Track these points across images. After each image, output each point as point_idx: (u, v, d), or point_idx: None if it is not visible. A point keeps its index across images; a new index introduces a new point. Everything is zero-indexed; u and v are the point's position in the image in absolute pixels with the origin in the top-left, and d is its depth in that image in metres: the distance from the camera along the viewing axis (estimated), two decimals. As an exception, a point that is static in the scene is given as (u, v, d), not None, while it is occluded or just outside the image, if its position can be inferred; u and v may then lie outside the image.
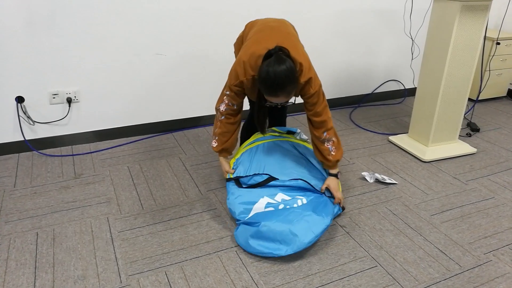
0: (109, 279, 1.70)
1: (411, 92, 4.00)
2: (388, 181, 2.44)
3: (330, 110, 3.59)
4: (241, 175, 2.09)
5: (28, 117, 2.66)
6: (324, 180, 2.10)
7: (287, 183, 2.03)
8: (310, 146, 2.27)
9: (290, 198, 1.98)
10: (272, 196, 1.99)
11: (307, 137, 2.33)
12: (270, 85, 1.74)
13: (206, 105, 3.16)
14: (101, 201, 2.22)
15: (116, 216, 2.10)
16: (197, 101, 3.12)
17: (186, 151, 2.80)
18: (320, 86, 1.94)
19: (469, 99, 3.87)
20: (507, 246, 1.93)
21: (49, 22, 2.49)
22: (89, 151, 2.76)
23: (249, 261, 1.81)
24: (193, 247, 1.89)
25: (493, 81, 3.77)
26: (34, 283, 1.67)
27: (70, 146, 2.83)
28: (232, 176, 2.11)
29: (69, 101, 2.71)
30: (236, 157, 2.21)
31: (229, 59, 3.07)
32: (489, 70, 3.68)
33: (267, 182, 2.04)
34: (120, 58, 2.75)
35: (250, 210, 1.95)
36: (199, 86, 3.08)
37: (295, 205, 1.94)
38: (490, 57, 3.62)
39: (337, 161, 2.06)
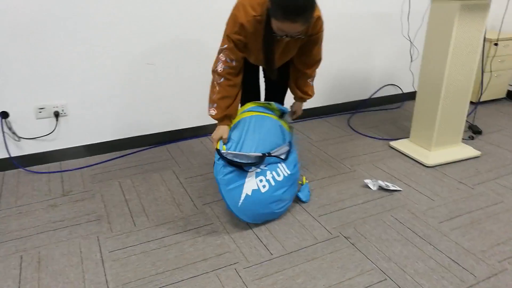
0: (99, 304, 1.57)
1: (409, 96, 3.91)
2: (392, 188, 2.33)
3: (327, 116, 3.52)
4: (232, 151, 1.96)
5: (13, 133, 2.54)
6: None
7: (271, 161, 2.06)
8: (289, 130, 2.25)
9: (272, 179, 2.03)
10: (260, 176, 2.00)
11: (291, 121, 2.33)
12: (289, 7, 1.53)
13: (199, 115, 3.05)
14: (90, 219, 2.09)
15: (107, 235, 1.97)
16: (190, 111, 3.01)
17: (180, 163, 2.68)
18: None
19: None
20: (522, 253, 1.83)
21: (33, 33, 2.39)
22: (78, 167, 2.64)
23: (250, 279, 1.69)
24: (190, 265, 1.77)
25: (492, 82, 3.70)
26: (17, 312, 1.54)
27: (58, 162, 2.70)
28: (224, 150, 1.94)
29: (56, 115, 2.60)
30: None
31: (222, 67, 2.97)
32: (491, 71, 3.61)
33: (257, 163, 1.98)
34: (109, 69, 2.65)
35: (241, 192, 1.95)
36: (192, 97, 2.97)
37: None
38: (490, 58, 3.55)
39: (311, 97, 2.22)
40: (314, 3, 1.61)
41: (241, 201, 1.94)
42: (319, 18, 1.82)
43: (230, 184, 1.94)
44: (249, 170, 1.98)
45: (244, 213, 1.97)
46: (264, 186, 1.99)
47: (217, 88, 1.89)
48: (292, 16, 1.57)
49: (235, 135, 2.00)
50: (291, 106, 2.32)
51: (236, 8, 1.77)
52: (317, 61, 2.07)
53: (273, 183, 2.01)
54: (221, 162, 1.93)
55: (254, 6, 1.72)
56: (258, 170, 2.00)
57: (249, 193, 1.95)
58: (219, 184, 1.94)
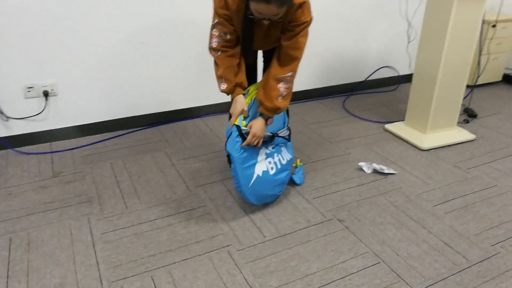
0: (89, 286, 1.55)
1: (405, 79, 3.88)
2: (386, 171, 2.32)
3: (322, 99, 3.48)
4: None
5: (1, 113, 2.48)
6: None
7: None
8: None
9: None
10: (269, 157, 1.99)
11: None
12: None
13: (193, 96, 3.00)
14: (81, 201, 2.06)
15: (98, 217, 1.94)
16: (184, 92, 2.96)
17: (173, 145, 2.65)
18: (311, 21, 1.78)
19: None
20: (515, 237, 1.83)
21: (21, 9, 2.31)
22: (69, 148, 2.59)
23: (243, 261, 1.68)
24: (182, 248, 1.75)
25: (489, 65, 3.66)
26: (6, 294, 1.51)
27: (48, 143, 2.65)
28: (244, 125, 1.87)
29: (45, 94, 2.53)
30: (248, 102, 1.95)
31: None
32: (488, 54, 3.57)
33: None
34: (100, 47, 2.58)
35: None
36: (185, 77, 2.92)
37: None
38: (488, 40, 3.51)
39: (279, 109, 1.86)
40: None
41: (252, 180, 1.91)
42: (300, 6, 1.72)
43: (245, 163, 1.89)
44: (260, 150, 1.96)
45: (252, 193, 1.94)
46: (272, 168, 1.98)
47: (218, 62, 1.85)
48: None
49: (250, 113, 1.96)
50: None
51: None
52: (294, 60, 1.83)
53: (279, 166, 2.01)
54: (239, 139, 1.86)
55: None
56: (268, 151, 1.99)
57: (260, 174, 1.93)
58: (234, 162, 1.86)
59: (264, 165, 1.95)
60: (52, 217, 1.93)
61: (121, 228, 1.87)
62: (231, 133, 1.88)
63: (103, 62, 2.62)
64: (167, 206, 2.03)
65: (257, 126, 1.85)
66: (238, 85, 1.88)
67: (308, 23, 1.78)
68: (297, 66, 1.87)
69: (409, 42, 3.70)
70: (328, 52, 3.37)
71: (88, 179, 2.25)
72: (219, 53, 1.84)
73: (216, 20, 1.79)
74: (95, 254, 1.71)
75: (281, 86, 1.85)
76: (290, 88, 1.88)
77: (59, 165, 2.39)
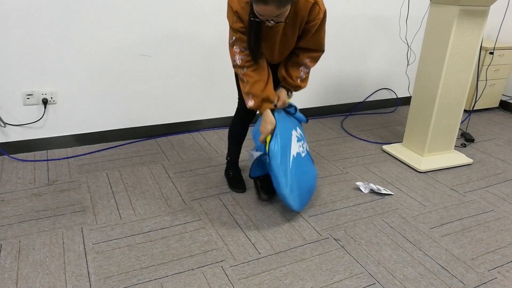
0: (79, 297, 1.52)
1: (404, 101, 3.91)
2: (383, 191, 2.31)
3: (321, 117, 3.49)
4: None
5: (-1, 119, 2.47)
6: None
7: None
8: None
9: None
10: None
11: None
12: None
13: (192, 110, 3.01)
14: (75, 210, 2.03)
15: (92, 227, 1.92)
16: (183, 105, 2.96)
17: (170, 158, 2.63)
18: (326, 12, 1.82)
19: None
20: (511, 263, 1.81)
21: (23, 17, 2.32)
22: (66, 156, 2.58)
23: (236, 277, 1.65)
24: (175, 261, 1.73)
25: (486, 91, 3.70)
26: (-7, 302, 1.48)
27: (45, 151, 2.63)
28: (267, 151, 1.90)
29: (44, 102, 2.53)
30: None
31: (218, 63, 2.93)
32: (486, 80, 3.61)
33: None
34: (101, 57, 2.59)
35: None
36: (185, 90, 2.92)
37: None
38: (485, 66, 3.56)
39: (299, 87, 1.99)
40: None
41: (290, 163, 1.91)
42: (316, 3, 1.76)
43: (280, 156, 1.90)
44: (292, 132, 1.98)
45: (293, 189, 1.93)
46: (302, 152, 2.03)
47: (245, 79, 1.84)
48: None
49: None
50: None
51: (230, 0, 1.76)
52: (314, 47, 1.92)
53: (306, 153, 2.08)
54: (264, 158, 1.92)
55: None
56: (298, 135, 2.04)
57: (295, 155, 1.95)
58: (271, 159, 1.87)
59: (297, 147, 1.98)
60: (45, 225, 1.90)
61: (114, 239, 1.84)
62: (260, 155, 1.93)
63: (104, 73, 2.63)
64: (161, 218, 2.01)
65: (284, 94, 1.97)
66: (265, 100, 1.86)
67: (324, 16, 1.82)
68: (317, 56, 1.96)
69: (408, 65, 3.74)
70: (328, 72, 3.40)
71: (83, 188, 2.23)
72: (244, 69, 1.82)
73: (234, 37, 1.80)
74: (87, 264, 1.68)
75: (302, 70, 1.95)
76: (309, 72, 2.00)
77: (54, 173, 2.37)
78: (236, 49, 1.82)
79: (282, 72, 1.97)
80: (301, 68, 1.95)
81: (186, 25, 2.74)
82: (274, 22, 1.67)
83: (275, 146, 1.87)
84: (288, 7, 1.63)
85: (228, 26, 1.83)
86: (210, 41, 2.86)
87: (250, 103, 1.86)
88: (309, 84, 3.36)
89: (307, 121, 2.19)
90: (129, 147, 2.75)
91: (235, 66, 1.86)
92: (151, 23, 2.64)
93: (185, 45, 2.79)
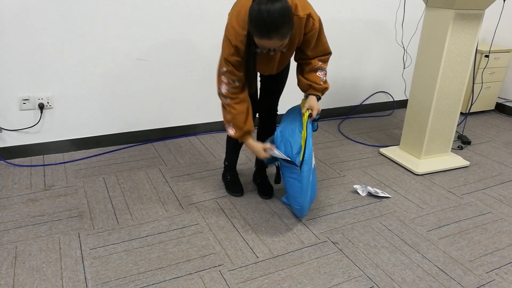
0: (76, 303, 1.51)
1: (400, 104, 3.92)
2: (381, 194, 2.31)
3: (318, 121, 3.49)
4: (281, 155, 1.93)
5: (-5, 124, 2.46)
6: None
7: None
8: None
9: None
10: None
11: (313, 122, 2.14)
12: (263, 25, 1.55)
13: (188, 114, 3.00)
14: (72, 215, 2.02)
15: (89, 232, 1.91)
16: (180, 110, 2.96)
17: (167, 162, 2.63)
18: (319, 18, 1.84)
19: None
20: (509, 264, 1.81)
21: (19, 21, 2.32)
22: (62, 161, 2.57)
23: (234, 282, 1.65)
24: (173, 266, 1.72)
25: (482, 94, 3.72)
26: (-11, 309, 1.47)
27: (41, 156, 2.62)
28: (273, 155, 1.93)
29: (41, 107, 2.52)
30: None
31: (214, 66, 2.93)
32: (482, 83, 3.63)
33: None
34: (98, 62, 2.58)
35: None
36: (182, 94, 2.92)
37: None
38: (481, 69, 3.57)
39: (326, 89, 2.00)
40: (289, 18, 1.60)
41: (311, 175, 1.94)
42: (309, 16, 1.78)
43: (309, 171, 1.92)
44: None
45: (311, 194, 1.98)
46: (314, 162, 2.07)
47: (227, 108, 1.89)
48: (267, 34, 1.58)
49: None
50: (304, 103, 2.09)
51: (227, 30, 1.77)
52: (321, 53, 1.95)
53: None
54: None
55: (242, 25, 1.72)
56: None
57: (313, 167, 1.98)
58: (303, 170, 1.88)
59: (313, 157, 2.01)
60: (41, 231, 1.89)
61: (111, 244, 1.83)
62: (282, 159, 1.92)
63: (101, 77, 2.63)
64: (159, 223, 2.00)
65: (316, 102, 1.97)
66: (247, 133, 1.92)
67: (320, 24, 1.84)
68: (327, 58, 1.98)
69: (404, 68, 3.75)
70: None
71: (80, 193, 2.22)
72: (228, 100, 1.86)
73: (224, 69, 1.81)
74: (84, 269, 1.67)
75: (319, 74, 1.97)
76: (326, 73, 2.01)
77: (51, 179, 2.36)
78: (224, 79, 1.84)
79: (304, 81, 1.99)
80: (318, 72, 1.97)
81: (182, 29, 2.75)
82: (277, 50, 1.74)
83: (308, 159, 1.88)
84: (288, 37, 1.67)
85: (220, 54, 1.83)
86: (206, 45, 2.86)
87: (231, 132, 1.93)
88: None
89: (316, 129, 2.15)
90: (126, 152, 2.74)
91: (219, 94, 1.90)
92: (148, 27, 2.64)
93: (182, 49, 2.79)
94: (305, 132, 1.90)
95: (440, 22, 2.40)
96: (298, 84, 2.04)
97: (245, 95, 1.90)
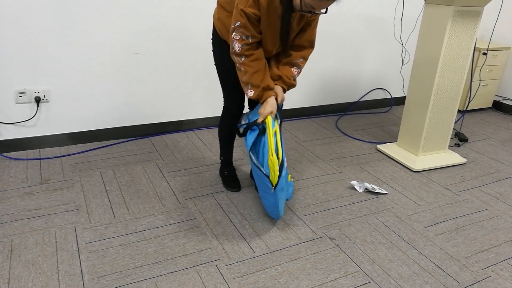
0: (72, 297, 1.50)
1: (398, 101, 3.92)
2: (378, 191, 2.31)
3: (315, 117, 3.49)
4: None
5: (-9, 117, 2.44)
6: None
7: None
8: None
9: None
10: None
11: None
12: None
13: (186, 109, 2.99)
14: (68, 209, 2.01)
15: (85, 226, 1.90)
16: (177, 104, 2.95)
17: (164, 157, 2.62)
18: None
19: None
20: (505, 261, 1.82)
21: (16, 14, 2.30)
22: (59, 155, 2.55)
23: (231, 276, 1.64)
24: (169, 260, 1.71)
25: (479, 91, 3.72)
26: (-15, 302, 1.46)
27: (37, 149, 2.61)
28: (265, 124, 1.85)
29: (37, 100, 2.50)
30: None
31: (212, 61, 2.92)
32: (480, 80, 3.63)
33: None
34: (95, 56, 2.57)
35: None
36: (179, 89, 2.91)
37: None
38: (479, 67, 3.58)
39: (293, 85, 1.98)
40: None
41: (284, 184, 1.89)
42: None
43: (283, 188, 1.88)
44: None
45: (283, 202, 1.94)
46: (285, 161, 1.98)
47: (242, 68, 1.79)
48: None
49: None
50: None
51: None
52: (306, 46, 1.91)
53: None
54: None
55: None
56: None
57: (286, 173, 1.91)
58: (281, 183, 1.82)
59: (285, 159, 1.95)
60: (37, 224, 1.88)
61: (108, 238, 1.82)
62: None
63: (98, 71, 2.61)
64: (155, 217, 1.99)
65: (281, 91, 1.93)
66: (265, 89, 1.83)
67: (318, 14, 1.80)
68: (309, 54, 1.95)
69: (403, 65, 3.75)
70: (323, 72, 3.41)
71: (77, 187, 2.21)
72: (243, 58, 1.77)
73: (238, 23, 1.70)
74: (80, 263, 1.66)
75: (294, 70, 1.94)
76: (300, 72, 1.98)
77: (47, 172, 2.34)
78: (236, 35, 1.73)
79: (275, 71, 1.94)
80: (293, 68, 1.94)
81: (181, 23, 2.73)
82: (315, 13, 1.69)
83: (283, 177, 1.81)
84: None
85: (235, 8, 1.71)
86: (204, 40, 2.85)
87: (250, 93, 1.83)
88: (304, 84, 3.36)
89: (280, 121, 2.06)
90: (123, 146, 2.73)
91: (232, 53, 1.80)
92: (146, 21, 2.62)
93: (180, 44, 2.78)
94: (273, 149, 1.78)
95: (439, 19, 2.40)
96: (270, 71, 1.95)
97: (260, 52, 1.81)
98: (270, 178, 1.78)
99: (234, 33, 1.74)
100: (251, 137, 1.88)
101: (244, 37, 1.73)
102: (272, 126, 1.82)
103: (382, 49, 3.58)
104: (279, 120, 1.96)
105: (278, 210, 1.90)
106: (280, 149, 1.81)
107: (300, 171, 2.52)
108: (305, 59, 1.95)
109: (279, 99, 1.92)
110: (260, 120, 1.85)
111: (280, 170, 1.77)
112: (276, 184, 1.77)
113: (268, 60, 1.98)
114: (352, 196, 2.28)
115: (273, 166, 1.76)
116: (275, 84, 1.94)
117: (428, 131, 2.63)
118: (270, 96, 1.85)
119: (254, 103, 2.13)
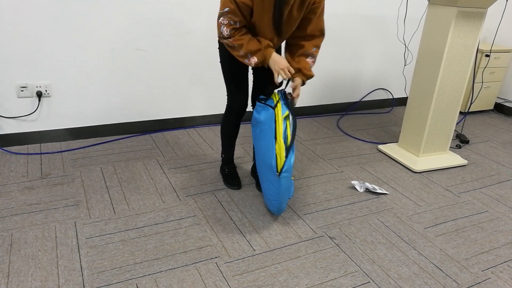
0: (71, 292, 1.50)
1: (400, 101, 3.91)
2: (378, 191, 2.31)
3: (316, 116, 3.49)
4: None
5: (-7, 111, 2.44)
6: None
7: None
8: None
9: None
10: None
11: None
12: None
13: (187, 106, 2.99)
14: (68, 204, 2.01)
15: (85, 221, 1.90)
16: (178, 101, 2.94)
17: (165, 153, 2.62)
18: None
19: (457, 111, 3.81)
20: (505, 263, 1.82)
21: (18, 9, 2.29)
22: (59, 150, 2.55)
23: (230, 274, 1.64)
24: (169, 257, 1.71)
25: (481, 93, 3.72)
26: (-16, 295, 1.46)
27: (38, 144, 2.61)
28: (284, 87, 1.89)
29: (39, 95, 2.50)
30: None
31: (214, 58, 2.92)
32: (482, 82, 3.63)
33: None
34: (97, 51, 2.56)
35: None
36: (181, 86, 2.91)
37: None
38: (481, 69, 3.57)
39: (311, 76, 1.98)
40: None
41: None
42: None
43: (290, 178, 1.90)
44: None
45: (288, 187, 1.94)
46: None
47: (236, 43, 1.78)
48: None
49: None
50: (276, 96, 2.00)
51: None
52: (317, 35, 1.93)
53: None
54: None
55: None
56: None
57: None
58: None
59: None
60: (37, 219, 1.88)
61: (107, 234, 1.82)
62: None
63: (100, 67, 2.61)
64: (155, 214, 1.99)
65: (300, 84, 1.96)
66: (266, 46, 1.82)
67: (323, 3, 1.84)
68: (320, 42, 1.96)
69: (405, 65, 3.75)
70: (325, 71, 3.40)
71: (77, 182, 2.21)
72: (232, 38, 1.77)
73: (227, 8, 1.71)
74: (80, 258, 1.66)
75: (309, 60, 1.96)
76: (315, 62, 2.00)
77: (48, 167, 2.34)
78: (223, 20, 1.74)
79: (293, 64, 1.95)
80: (309, 58, 1.96)
81: (182, 20, 2.73)
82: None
83: (290, 163, 1.81)
84: None
85: None
86: (205, 37, 2.84)
87: (254, 60, 1.82)
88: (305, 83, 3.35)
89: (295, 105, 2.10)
90: (124, 142, 2.73)
91: (222, 37, 1.80)
92: (148, 17, 2.62)
93: (181, 40, 2.78)
94: (282, 135, 1.80)
95: (443, 20, 2.39)
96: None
97: (247, 31, 1.80)
98: (277, 162, 1.80)
99: (222, 17, 1.75)
100: (264, 114, 1.89)
101: (232, 22, 1.75)
102: (282, 113, 1.84)
103: (385, 49, 3.58)
104: (290, 118, 1.92)
105: (280, 201, 1.89)
106: (290, 136, 1.82)
107: (301, 170, 2.52)
108: (318, 47, 1.97)
109: (296, 91, 1.93)
110: (283, 75, 1.84)
111: (287, 154, 1.79)
112: (281, 170, 1.78)
113: (279, 53, 1.99)
114: (353, 195, 2.27)
115: (280, 151, 1.78)
116: (294, 77, 1.95)
117: (429, 132, 2.63)
118: (272, 53, 1.84)
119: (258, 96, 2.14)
